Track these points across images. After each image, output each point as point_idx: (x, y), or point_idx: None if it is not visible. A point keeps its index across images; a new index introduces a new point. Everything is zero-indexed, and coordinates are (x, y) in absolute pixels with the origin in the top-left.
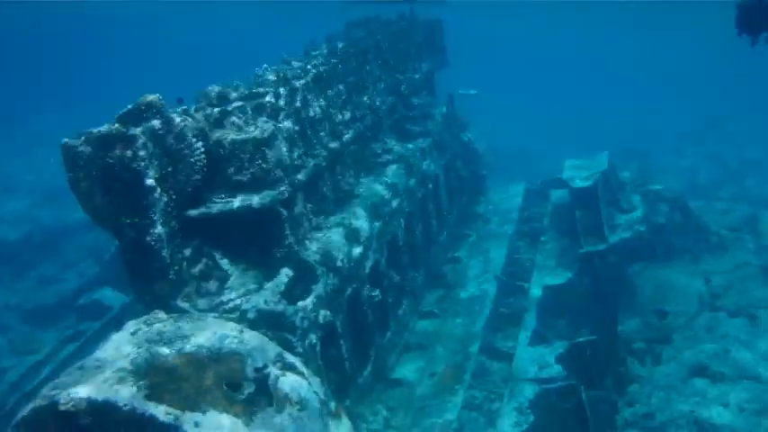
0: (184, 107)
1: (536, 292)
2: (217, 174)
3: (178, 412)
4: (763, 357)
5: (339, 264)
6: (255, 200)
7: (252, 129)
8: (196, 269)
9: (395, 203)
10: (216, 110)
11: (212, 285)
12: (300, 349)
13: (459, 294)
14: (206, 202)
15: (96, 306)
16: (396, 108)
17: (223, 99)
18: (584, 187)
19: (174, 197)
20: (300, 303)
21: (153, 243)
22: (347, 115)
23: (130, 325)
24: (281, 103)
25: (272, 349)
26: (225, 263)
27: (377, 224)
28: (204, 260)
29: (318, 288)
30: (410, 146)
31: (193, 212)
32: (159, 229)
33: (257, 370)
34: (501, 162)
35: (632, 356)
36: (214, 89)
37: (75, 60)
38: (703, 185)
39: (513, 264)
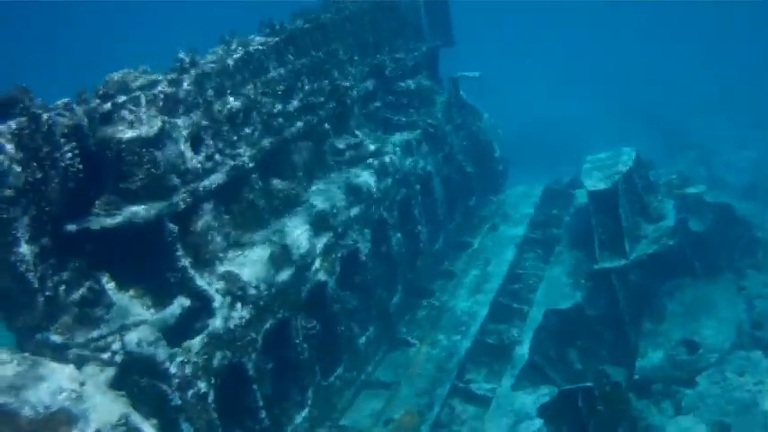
0: (66, 100)
1: (537, 317)
2: (106, 180)
3: None
4: None
5: (252, 291)
6: (140, 213)
7: (140, 125)
8: (77, 294)
9: (355, 211)
10: (107, 103)
11: (97, 314)
12: (179, 402)
13: (443, 318)
14: (91, 213)
15: None
16: (375, 94)
17: (123, 88)
18: (600, 190)
19: (46, 209)
20: (185, 344)
21: (17, 264)
22: (293, 104)
23: None
24: (183, 92)
25: (118, 409)
26: (111, 287)
27: (324, 238)
28: (88, 284)
29: (215, 324)
30: (393, 139)
31: (72, 227)
32: (24, 247)
33: None
34: (530, 155)
35: (650, 400)
36: (114, 77)
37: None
38: (762, 186)
39: (516, 280)
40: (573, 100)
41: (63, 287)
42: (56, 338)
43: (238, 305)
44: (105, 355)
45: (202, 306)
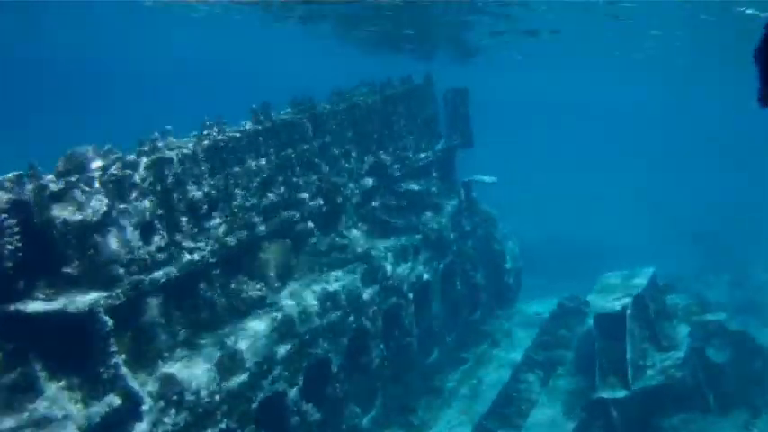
0: (18, 173)
1: None
2: (50, 262)
3: None
4: None
5: (190, 397)
6: (74, 302)
7: (85, 208)
8: (8, 378)
9: (330, 317)
10: (60, 181)
11: (28, 401)
12: None
13: None
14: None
15: None
16: (374, 194)
17: (79, 166)
18: (607, 313)
19: None
20: None
21: None
22: (270, 199)
23: None
24: (138, 177)
25: None
26: (43, 376)
27: (287, 345)
28: (20, 369)
29: (140, 429)
30: (388, 243)
31: (8, 308)
32: None
33: None
34: (555, 265)
35: None
36: (77, 151)
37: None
38: None
39: (507, 403)
40: (608, 208)
41: None
42: None
43: (172, 411)
44: None
45: (133, 408)
